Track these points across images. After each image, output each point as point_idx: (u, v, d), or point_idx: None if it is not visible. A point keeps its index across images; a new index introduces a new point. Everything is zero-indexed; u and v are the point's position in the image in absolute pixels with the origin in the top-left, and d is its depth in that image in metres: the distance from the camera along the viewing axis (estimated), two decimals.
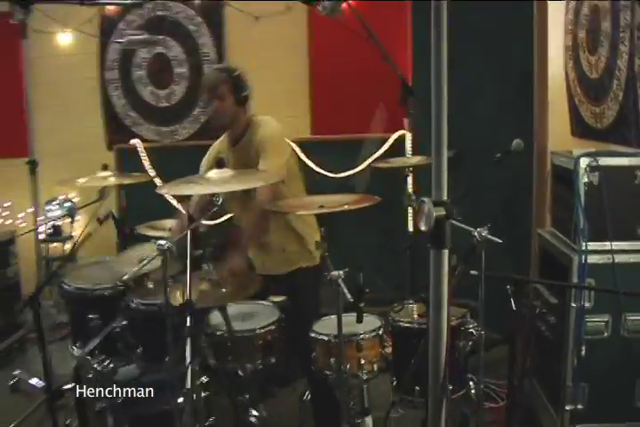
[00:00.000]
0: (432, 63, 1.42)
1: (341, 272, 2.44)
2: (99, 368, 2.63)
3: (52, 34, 5.60)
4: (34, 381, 4.09)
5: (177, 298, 2.41)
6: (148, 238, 3.72)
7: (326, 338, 2.74)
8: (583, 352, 2.98)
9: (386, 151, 4.92)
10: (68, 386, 3.63)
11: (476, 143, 3.94)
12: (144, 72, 5.71)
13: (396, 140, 4.94)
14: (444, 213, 1.32)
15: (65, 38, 5.72)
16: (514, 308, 2.48)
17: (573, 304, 2.97)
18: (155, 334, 2.53)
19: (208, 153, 3.35)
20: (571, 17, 4.02)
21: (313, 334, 2.80)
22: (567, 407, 3.02)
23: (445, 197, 1.37)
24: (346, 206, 2.52)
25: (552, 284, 3.40)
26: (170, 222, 3.90)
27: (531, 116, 4.32)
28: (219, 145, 3.33)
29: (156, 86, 5.71)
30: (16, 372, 4.22)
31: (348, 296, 2.42)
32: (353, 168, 4.93)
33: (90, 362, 2.63)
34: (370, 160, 4.83)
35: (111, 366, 2.65)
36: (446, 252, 1.38)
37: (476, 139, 4.06)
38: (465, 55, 4.37)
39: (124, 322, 2.69)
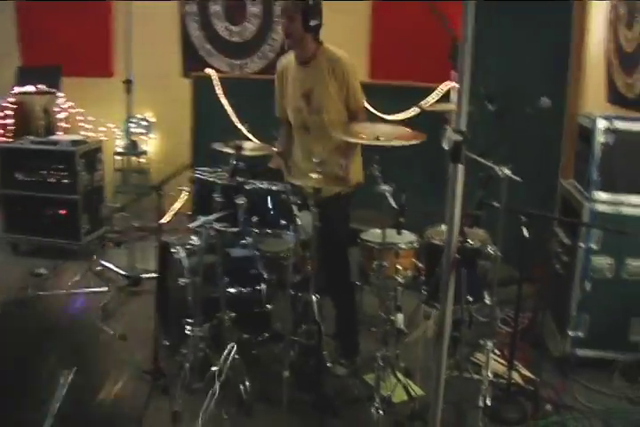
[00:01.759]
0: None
1: (389, 187, 2.94)
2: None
3: None
4: (115, 268, 4.77)
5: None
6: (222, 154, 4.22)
7: (372, 244, 3.29)
8: (588, 288, 3.47)
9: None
10: (147, 275, 4.27)
11: (516, 102, 4.29)
12: (220, 8, 6.16)
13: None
14: (461, 138, 1.81)
15: None
16: (526, 235, 2.94)
17: (582, 245, 3.45)
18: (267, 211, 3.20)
19: (278, 68, 3.60)
20: None
21: (361, 240, 3.37)
22: (570, 333, 3.53)
23: (464, 128, 1.85)
24: (397, 141, 2.90)
25: (560, 220, 3.87)
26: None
27: (566, 81, 4.64)
28: (285, 62, 3.54)
29: (231, 22, 6.17)
30: (100, 261, 4.91)
31: (393, 204, 2.89)
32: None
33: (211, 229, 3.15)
34: (420, 104, 5.18)
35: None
36: (461, 166, 1.88)
37: (517, 98, 4.41)
38: (510, 25, 4.73)
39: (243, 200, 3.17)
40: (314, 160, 3.09)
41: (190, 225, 3.21)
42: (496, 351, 3.40)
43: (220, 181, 3.23)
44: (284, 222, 3.22)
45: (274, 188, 3.26)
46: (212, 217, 3.12)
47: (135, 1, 4.99)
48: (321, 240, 3.09)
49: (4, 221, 5.35)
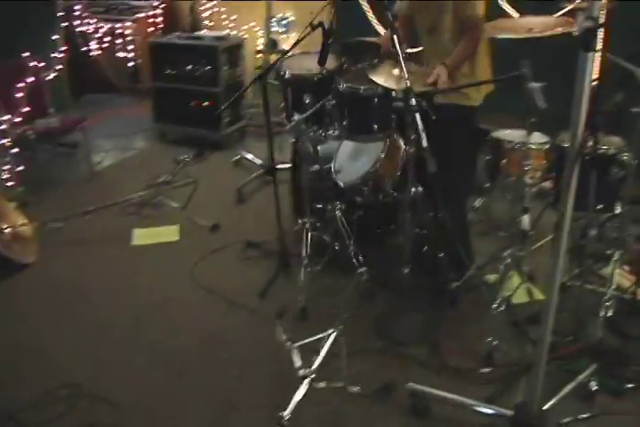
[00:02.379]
0: None
1: (538, 84, 2.86)
2: (312, 135, 3.31)
3: None
4: (252, 157, 5.08)
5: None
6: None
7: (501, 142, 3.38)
8: None
9: None
10: (283, 165, 4.53)
11: None
12: None
13: None
14: (592, 24, 1.81)
15: None
16: None
17: None
18: (358, 111, 3.17)
19: None
20: None
21: (491, 139, 3.47)
22: None
23: (595, 14, 1.84)
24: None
25: None
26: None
27: None
28: None
29: None
30: (239, 151, 5.22)
31: (541, 103, 2.80)
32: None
33: (305, 129, 3.25)
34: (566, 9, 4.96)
35: (322, 133, 3.32)
36: (591, 55, 1.88)
37: None
38: None
39: (333, 101, 3.22)
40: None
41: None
42: (625, 267, 3.37)
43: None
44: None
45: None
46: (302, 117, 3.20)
47: None
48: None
49: (154, 112, 5.73)
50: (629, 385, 2.68)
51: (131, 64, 6.80)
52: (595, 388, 2.62)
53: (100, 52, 6.71)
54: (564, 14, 4.42)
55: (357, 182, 3.39)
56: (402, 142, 3.36)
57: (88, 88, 6.76)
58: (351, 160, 3.58)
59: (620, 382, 2.69)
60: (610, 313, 2.97)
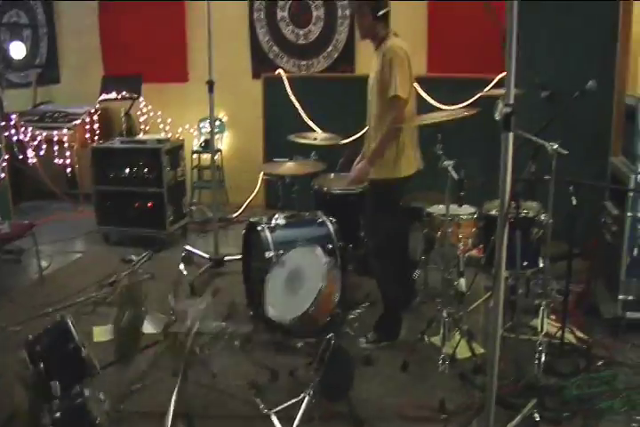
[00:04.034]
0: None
1: (451, 162, 3.31)
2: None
3: None
4: (198, 251, 5.26)
5: None
6: (296, 145, 4.70)
7: (436, 216, 3.79)
8: (635, 253, 3.74)
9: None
10: (230, 257, 4.72)
11: (568, 86, 4.56)
12: (287, 14, 6.63)
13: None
14: (510, 110, 2.17)
15: None
16: (574, 203, 3.26)
17: (629, 213, 3.73)
18: None
19: None
20: None
21: (426, 214, 3.85)
22: (620, 297, 3.80)
23: (511, 101, 2.20)
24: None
25: (604, 186, 4.20)
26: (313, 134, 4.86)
27: (615, 65, 4.89)
28: None
29: (297, 26, 6.63)
30: (186, 247, 5.41)
31: (455, 176, 3.25)
32: (463, 102, 5.66)
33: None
34: (477, 96, 5.53)
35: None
36: (511, 134, 2.23)
37: (568, 82, 4.68)
38: (558, 15, 5.00)
39: None
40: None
41: None
42: (552, 317, 3.75)
43: None
44: None
45: None
46: None
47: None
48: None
49: (98, 215, 5.89)
50: (566, 414, 3.02)
51: (68, 170, 6.99)
52: (538, 419, 2.92)
53: (36, 159, 6.89)
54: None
55: (292, 322, 3.08)
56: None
57: (26, 195, 6.91)
58: (288, 291, 3.28)
59: (558, 412, 3.02)
60: (543, 357, 3.35)
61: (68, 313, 3.02)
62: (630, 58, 4.93)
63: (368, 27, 3.64)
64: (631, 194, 3.72)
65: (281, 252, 3.67)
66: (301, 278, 3.19)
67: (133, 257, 5.37)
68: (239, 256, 4.44)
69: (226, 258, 5.04)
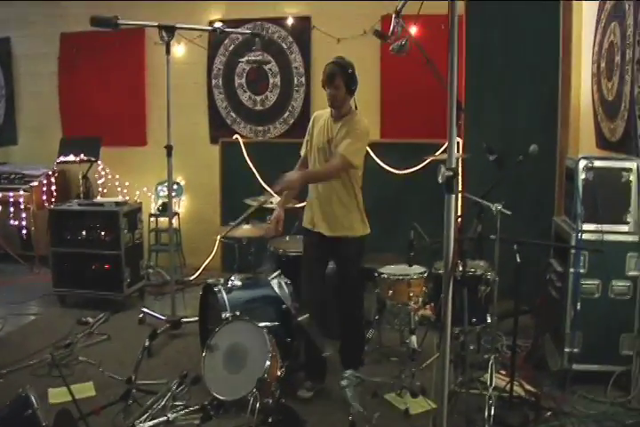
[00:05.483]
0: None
1: None
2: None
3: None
4: (155, 313, 5.27)
5: None
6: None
7: (387, 276, 3.92)
8: (579, 307, 3.92)
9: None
10: (187, 320, 4.76)
11: (513, 150, 4.83)
12: (244, 80, 6.89)
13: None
14: (452, 173, 2.33)
15: (179, 49, 6.91)
16: (518, 260, 3.43)
17: (572, 270, 3.93)
18: None
19: (311, 121, 4.16)
20: (596, 49, 4.96)
21: (378, 274, 3.99)
22: (566, 350, 3.95)
23: (453, 165, 2.37)
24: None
25: (545, 244, 4.41)
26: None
27: (556, 130, 5.29)
28: (323, 115, 4.08)
29: (253, 93, 6.89)
30: (143, 309, 5.42)
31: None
32: (414, 166, 5.92)
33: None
34: (427, 161, 5.77)
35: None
36: (453, 196, 2.39)
37: (514, 147, 4.95)
38: (506, 85, 5.37)
39: None
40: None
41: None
42: (502, 371, 3.88)
43: None
44: None
45: None
46: None
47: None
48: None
49: (54, 277, 5.87)
50: None
51: (24, 231, 6.98)
52: None
53: None
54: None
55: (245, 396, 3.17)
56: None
57: None
58: (229, 369, 3.40)
59: None
60: (493, 410, 3.44)
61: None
62: (570, 124, 5.28)
63: (342, 99, 3.88)
64: (573, 251, 3.93)
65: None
66: (242, 356, 3.29)
67: (90, 319, 5.35)
68: (196, 318, 4.49)
69: (183, 320, 5.06)
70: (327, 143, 3.94)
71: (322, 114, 4.13)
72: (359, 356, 4.10)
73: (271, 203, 4.79)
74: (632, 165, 3.92)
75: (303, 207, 4.16)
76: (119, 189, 7.11)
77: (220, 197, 6.78)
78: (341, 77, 3.82)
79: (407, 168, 5.99)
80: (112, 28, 4.20)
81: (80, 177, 6.91)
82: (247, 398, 3.02)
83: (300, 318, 3.49)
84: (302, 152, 4.24)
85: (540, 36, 5.28)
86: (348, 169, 3.83)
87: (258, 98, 6.88)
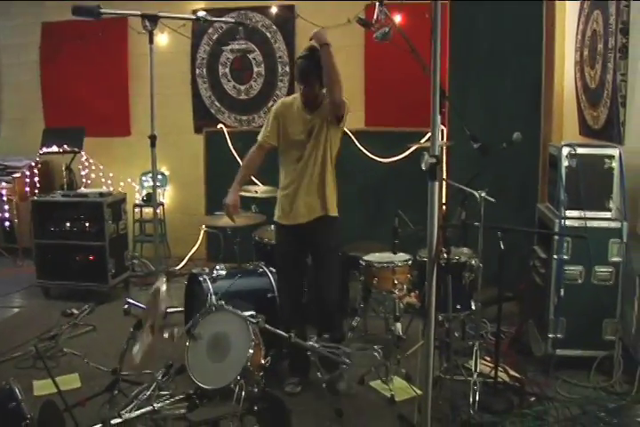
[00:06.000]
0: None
1: None
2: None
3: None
4: (140, 304, 5.26)
5: None
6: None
7: (372, 264, 3.92)
8: (562, 293, 3.94)
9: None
10: (172, 309, 4.75)
11: (497, 138, 4.85)
12: (228, 70, 6.86)
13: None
14: (435, 160, 2.33)
15: (163, 39, 6.87)
16: (502, 247, 3.44)
17: (555, 256, 3.96)
18: None
19: (277, 110, 3.99)
20: (579, 37, 4.97)
21: (363, 262, 3.95)
22: (550, 336, 3.98)
23: (436, 153, 2.37)
24: None
25: (528, 231, 4.45)
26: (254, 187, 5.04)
27: (540, 117, 5.31)
28: (293, 104, 3.94)
29: (238, 82, 6.86)
30: (128, 299, 5.41)
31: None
32: (398, 154, 5.91)
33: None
34: (412, 148, 5.78)
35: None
36: (437, 183, 2.38)
37: (498, 134, 4.97)
38: (490, 73, 5.38)
39: None
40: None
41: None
42: (486, 358, 3.92)
43: None
44: None
45: None
46: None
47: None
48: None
49: (38, 269, 5.84)
50: None
51: (6, 224, 6.94)
52: None
53: None
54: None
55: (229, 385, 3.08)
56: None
57: None
58: (212, 358, 3.29)
59: None
60: (477, 396, 3.46)
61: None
62: (553, 112, 5.30)
63: (316, 94, 3.80)
64: (556, 238, 3.95)
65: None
66: (226, 345, 3.22)
67: (74, 310, 5.32)
68: (181, 308, 4.48)
69: (168, 310, 5.04)
70: (307, 137, 3.84)
71: (290, 103, 3.98)
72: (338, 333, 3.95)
73: (255, 192, 4.79)
74: (614, 152, 3.94)
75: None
76: (103, 179, 7.09)
77: (205, 187, 6.75)
78: (315, 74, 3.70)
79: (392, 156, 5.97)
80: (94, 17, 4.11)
81: (63, 168, 6.87)
82: (231, 387, 3.01)
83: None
84: (260, 137, 4.08)
85: (524, 25, 5.28)
86: (342, 107, 3.73)
87: (242, 87, 6.86)
